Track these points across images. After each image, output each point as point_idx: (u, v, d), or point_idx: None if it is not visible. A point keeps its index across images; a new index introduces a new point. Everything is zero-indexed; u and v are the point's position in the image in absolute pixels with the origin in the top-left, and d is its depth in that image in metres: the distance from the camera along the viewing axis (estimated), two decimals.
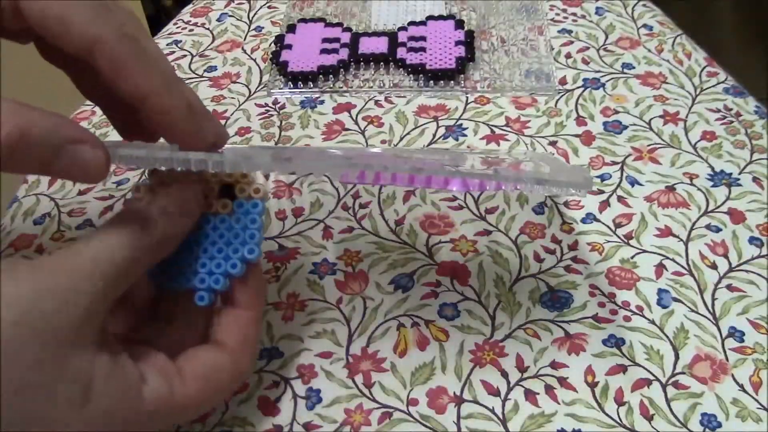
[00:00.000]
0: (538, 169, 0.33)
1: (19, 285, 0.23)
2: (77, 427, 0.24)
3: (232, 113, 0.47)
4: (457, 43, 0.50)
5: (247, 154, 0.29)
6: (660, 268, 0.37)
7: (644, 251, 0.38)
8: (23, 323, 0.22)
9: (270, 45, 0.53)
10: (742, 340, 0.34)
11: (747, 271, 0.37)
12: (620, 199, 0.41)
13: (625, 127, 0.45)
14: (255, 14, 0.56)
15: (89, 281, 0.24)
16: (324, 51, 0.50)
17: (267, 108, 0.48)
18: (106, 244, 0.25)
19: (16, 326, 0.22)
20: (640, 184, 0.42)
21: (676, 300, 0.36)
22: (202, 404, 0.28)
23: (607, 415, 0.32)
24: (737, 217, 0.40)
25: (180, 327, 0.30)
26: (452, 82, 0.48)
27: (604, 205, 0.41)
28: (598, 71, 0.49)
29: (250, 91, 0.49)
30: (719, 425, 0.32)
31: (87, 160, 0.24)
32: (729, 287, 0.37)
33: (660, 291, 0.37)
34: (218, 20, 0.56)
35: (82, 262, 0.24)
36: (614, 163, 0.43)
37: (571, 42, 0.51)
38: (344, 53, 0.50)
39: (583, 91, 0.48)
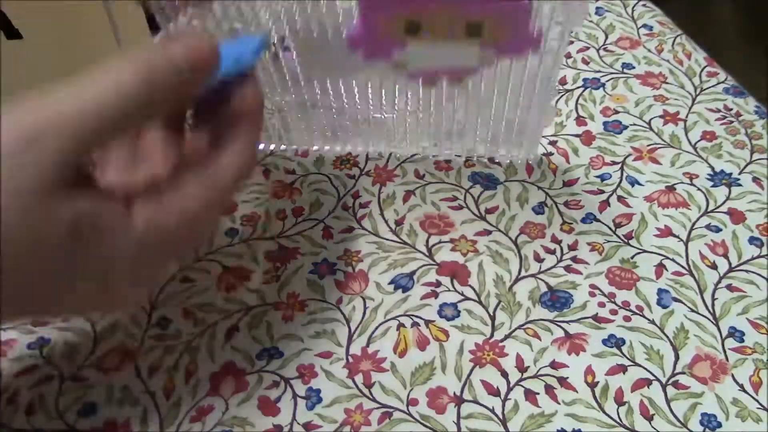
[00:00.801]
0: None
1: None
2: (75, 269, 0.25)
3: None
4: None
5: None
6: (660, 268, 0.37)
7: (644, 251, 0.38)
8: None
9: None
10: (742, 340, 0.34)
11: (747, 271, 0.37)
12: (620, 199, 0.41)
13: (625, 127, 0.45)
14: None
15: (63, 130, 0.24)
16: None
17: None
18: (98, 89, 0.24)
19: None
20: (640, 184, 0.42)
21: (676, 300, 0.36)
22: (207, 204, 0.28)
23: (607, 415, 0.32)
24: (737, 217, 0.40)
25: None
26: None
27: (604, 205, 0.41)
28: (598, 71, 0.49)
29: None
30: (719, 425, 0.32)
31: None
32: (729, 287, 0.37)
33: (660, 291, 0.37)
34: None
35: (62, 106, 0.24)
36: (614, 163, 0.43)
37: (571, 42, 0.51)
38: None
39: (583, 91, 0.48)
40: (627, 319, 0.35)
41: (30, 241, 0.23)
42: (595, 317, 0.35)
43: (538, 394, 0.33)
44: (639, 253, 0.38)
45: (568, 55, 0.50)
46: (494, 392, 0.33)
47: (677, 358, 0.34)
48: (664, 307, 0.36)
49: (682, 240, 0.39)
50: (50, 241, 0.24)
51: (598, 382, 0.33)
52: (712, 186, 0.41)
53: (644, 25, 0.53)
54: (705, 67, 0.49)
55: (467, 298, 0.36)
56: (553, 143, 0.44)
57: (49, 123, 0.24)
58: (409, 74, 0.36)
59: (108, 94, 0.24)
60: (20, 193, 0.23)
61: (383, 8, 0.32)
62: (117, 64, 0.25)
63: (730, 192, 0.41)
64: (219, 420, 0.32)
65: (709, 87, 0.48)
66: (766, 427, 0.31)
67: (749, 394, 0.33)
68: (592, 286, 0.37)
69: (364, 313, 0.36)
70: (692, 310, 0.36)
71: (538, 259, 0.38)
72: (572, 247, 0.39)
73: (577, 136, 0.45)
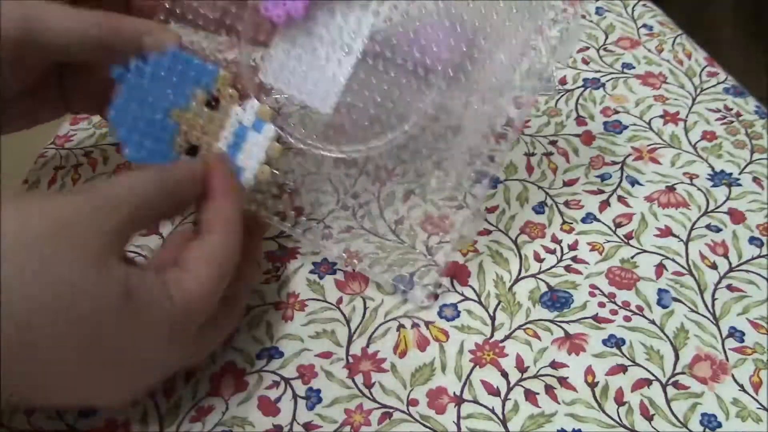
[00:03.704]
0: None
1: (58, 204, 0.27)
2: (125, 331, 0.27)
3: None
4: None
5: None
6: (660, 268, 0.37)
7: (644, 251, 0.38)
8: (62, 236, 0.26)
9: None
10: (742, 340, 0.34)
11: (747, 271, 0.37)
12: (620, 199, 0.41)
13: (625, 127, 0.45)
14: None
15: (120, 206, 0.28)
16: None
17: None
18: (138, 179, 0.29)
19: (55, 238, 0.25)
20: (640, 184, 0.42)
21: (676, 300, 0.36)
22: (213, 289, 0.30)
23: (607, 415, 0.32)
24: (737, 217, 0.40)
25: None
26: None
27: (604, 205, 0.41)
28: (598, 71, 0.49)
29: None
30: (719, 425, 0.32)
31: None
32: (729, 287, 0.37)
33: (660, 291, 0.36)
34: None
35: (117, 189, 0.28)
36: (614, 163, 0.43)
37: None
38: None
39: (583, 91, 0.48)
40: (627, 319, 0.35)
41: (89, 297, 0.26)
42: (595, 317, 0.35)
43: (538, 394, 0.33)
44: (639, 253, 0.38)
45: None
46: (494, 392, 0.33)
47: (677, 358, 0.34)
48: (664, 307, 0.36)
49: (682, 240, 0.39)
50: (106, 299, 0.26)
51: (598, 382, 0.33)
52: (712, 186, 0.41)
53: (644, 25, 0.53)
54: (705, 67, 0.49)
55: (467, 299, 0.36)
56: (553, 143, 0.44)
57: (109, 199, 0.28)
58: None
59: (148, 187, 0.29)
60: (87, 254, 0.26)
61: None
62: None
63: (730, 192, 0.41)
64: (219, 420, 0.32)
65: (709, 87, 0.48)
66: (766, 427, 0.31)
67: (749, 394, 0.33)
68: (592, 286, 0.37)
69: (364, 313, 0.36)
70: (692, 310, 0.36)
71: (538, 259, 0.38)
72: (572, 247, 0.39)
73: (577, 136, 0.45)
